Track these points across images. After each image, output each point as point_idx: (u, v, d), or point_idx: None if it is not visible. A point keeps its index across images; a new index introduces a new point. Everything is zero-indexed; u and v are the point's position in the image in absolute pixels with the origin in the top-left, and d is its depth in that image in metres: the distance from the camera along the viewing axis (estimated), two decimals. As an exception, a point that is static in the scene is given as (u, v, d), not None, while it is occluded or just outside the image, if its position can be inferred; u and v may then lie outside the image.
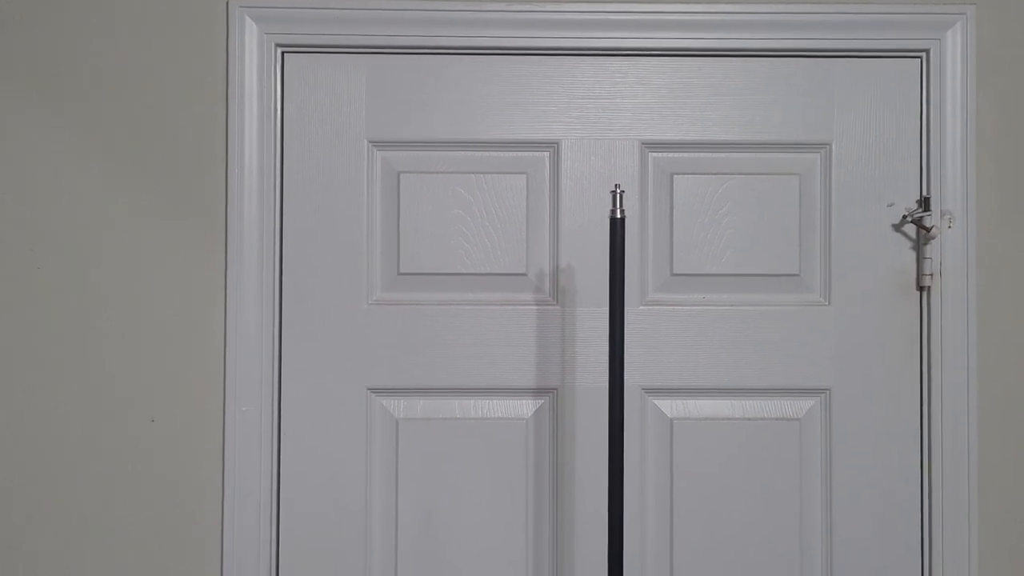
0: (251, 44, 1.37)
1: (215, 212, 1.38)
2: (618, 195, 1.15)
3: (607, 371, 1.18)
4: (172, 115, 1.38)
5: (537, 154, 1.42)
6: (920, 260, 1.38)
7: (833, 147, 1.40)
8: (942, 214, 1.37)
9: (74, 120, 1.37)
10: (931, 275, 1.37)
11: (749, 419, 1.40)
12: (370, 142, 1.40)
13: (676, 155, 1.41)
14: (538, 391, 1.40)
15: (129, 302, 1.37)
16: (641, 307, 1.40)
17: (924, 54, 1.39)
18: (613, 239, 1.15)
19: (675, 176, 1.41)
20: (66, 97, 1.36)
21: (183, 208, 1.38)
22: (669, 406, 1.41)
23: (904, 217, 1.38)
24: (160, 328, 1.37)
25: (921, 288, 1.39)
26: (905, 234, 1.39)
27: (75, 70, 1.37)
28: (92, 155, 1.37)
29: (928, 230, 1.35)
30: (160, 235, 1.37)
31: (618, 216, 1.14)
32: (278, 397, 1.39)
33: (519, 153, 1.41)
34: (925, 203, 1.37)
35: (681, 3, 1.38)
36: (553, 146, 1.41)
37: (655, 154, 1.42)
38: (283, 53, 1.39)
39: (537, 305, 1.41)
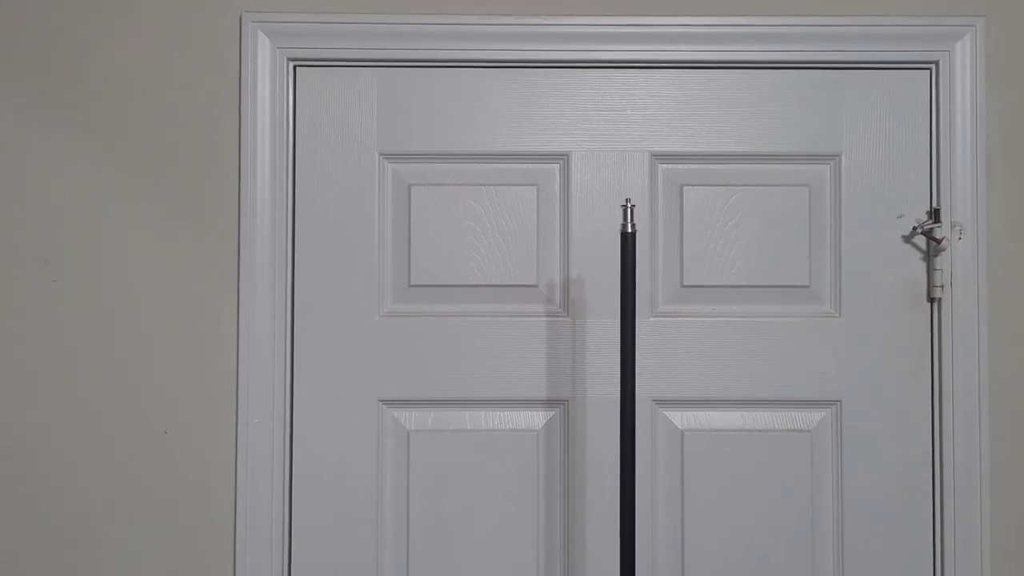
0: (264, 58, 1.38)
1: (228, 224, 1.38)
2: (628, 209, 1.15)
3: (618, 382, 1.19)
4: (186, 128, 1.39)
5: (547, 166, 1.42)
6: (930, 271, 1.38)
7: (843, 158, 1.40)
8: (952, 225, 1.37)
9: (85, 132, 1.38)
10: (942, 286, 1.37)
11: (760, 431, 1.40)
12: (381, 155, 1.41)
13: (686, 167, 1.42)
14: (549, 402, 1.41)
15: (142, 315, 1.38)
16: (651, 319, 1.40)
17: (934, 66, 1.39)
18: (624, 253, 1.16)
19: (685, 187, 1.42)
20: (78, 110, 1.38)
21: (196, 221, 1.38)
22: (680, 418, 1.41)
23: (914, 228, 1.37)
24: (173, 340, 1.38)
25: (932, 299, 1.39)
26: (915, 245, 1.39)
27: (86, 83, 1.38)
28: (104, 168, 1.38)
29: (939, 241, 1.35)
30: (173, 247, 1.38)
31: (629, 230, 1.15)
32: (290, 408, 1.39)
33: (529, 165, 1.42)
34: (935, 214, 1.37)
35: (689, 16, 1.39)
36: (563, 158, 1.42)
37: (665, 165, 1.42)
38: (295, 67, 1.40)
39: (548, 316, 1.41)
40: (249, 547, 1.36)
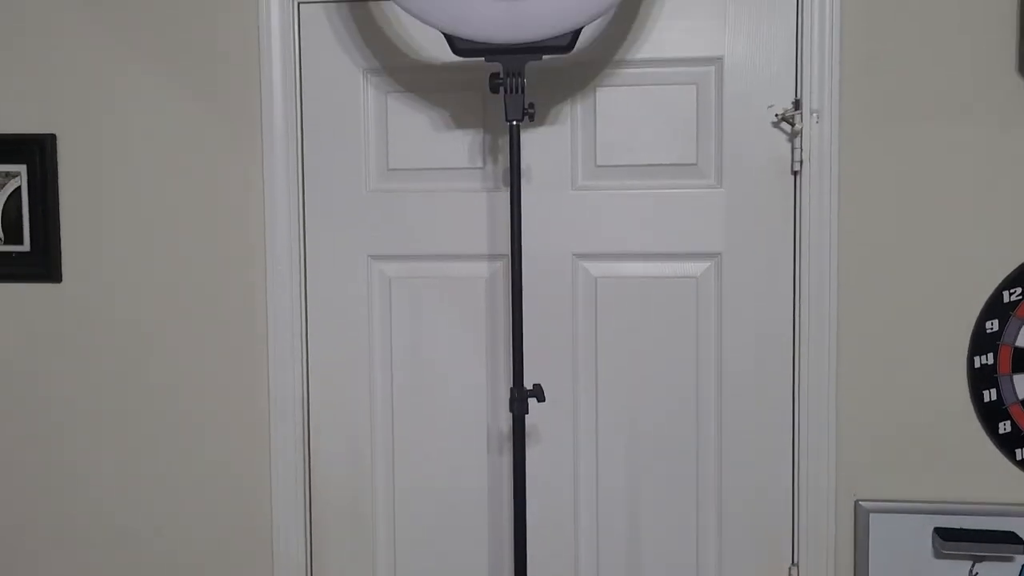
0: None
1: (253, 125, 1.85)
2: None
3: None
4: (223, 56, 1.85)
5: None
6: (793, 150, 1.73)
7: (725, 61, 1.75)
8: (811, 112, 1.70)
9: (149, 56, 1.86)
10: (801, 162, 1.72)
11: (657, 277, 1.80)
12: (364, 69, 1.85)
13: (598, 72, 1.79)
14: (492, 256, 1.84)
15: (198, 196, 1.88)
16: (572, 192, 1.80)
17: (799, -19, 1.72)
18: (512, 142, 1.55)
19: (598, 88, 1.80)
20: (145, 43, 1.86)
21: (230, 122, 1.86)
22: (594, 268, 1.82)
23: (777, 115, 1.72)
24: (220, 211, 1.88)
25: (794, 172, 1.74)
26: (782, 129, 1.74)
27: (155, 27, 1.86)
28: (166, 85, 1.87)
29: (793, 125, 1.70)
30: (214, 145, 1.86)
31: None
32: (303, 261, 1.88)
33: (472, 74, 1.82)
34: (797, 104, 1.71)
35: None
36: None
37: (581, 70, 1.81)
38: (299, 4, 1.83)
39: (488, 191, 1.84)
40: (276, 361, 1.87)
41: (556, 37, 1.52)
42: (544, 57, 1.59)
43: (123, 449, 1.94)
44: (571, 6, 1.51)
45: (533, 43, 1.53)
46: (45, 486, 1.96)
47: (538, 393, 1.61)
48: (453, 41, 1.55)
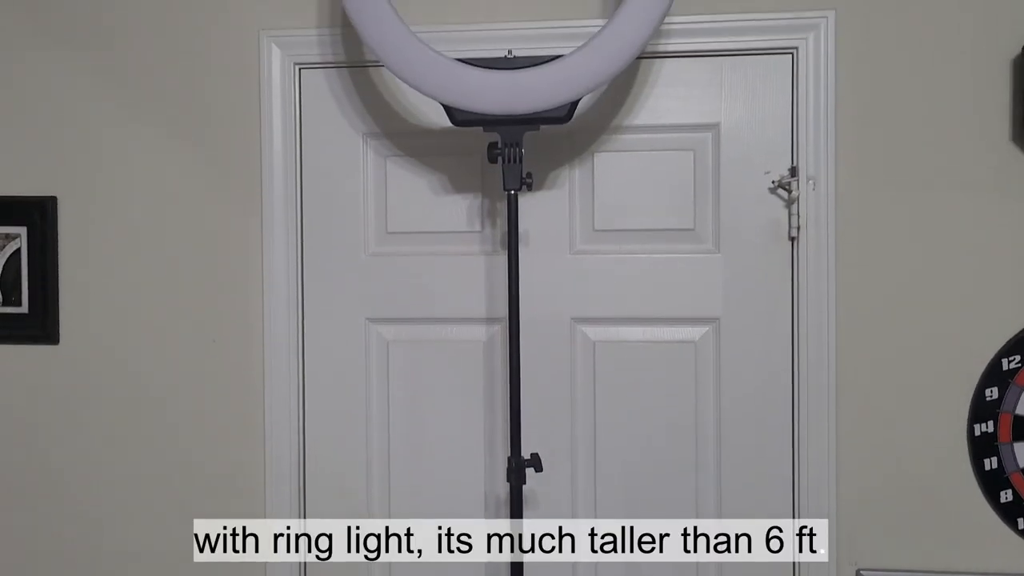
0: (276, 62, 1.83)
1: (253, 189, 1.86)
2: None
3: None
4: (224, 119, 1.87)
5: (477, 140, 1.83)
6: (790, 216, 1.74)
7: (721, 127, 1.77)
8: (807, 179, 1.72)
9: (151, 119, 1.88)
10: (799, 228, 1.73)
11: (655, 341, 1.80)
12: (363, 134, 1.86)
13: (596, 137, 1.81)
14: (490, 320, 1.84)
15: (197, 258, 1.88)
16: (570, 256, 1.81)
17: (794, 51, 1.74)
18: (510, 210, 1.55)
19: (596, 154, 1.81)
20: (155, 113, 1.87)
21: (229, 189, 1.87)
22: (593, 332, 1.82)
23: (774, 182, 1.73)
24: (219, 275, 1.88)
25: (791, 238, 1.75)
26: (779, 195, 1.75)
27: (157, 90, 1.88)
28: (167, 148, 1.88)
29: (790, 192, 1.71)
30: (214, 208, 1.87)
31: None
32: (301, 324, 1.87)
33: (470, 138, 1.82)
34: (793, 171, 1.72)
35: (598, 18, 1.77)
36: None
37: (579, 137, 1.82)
38: (299, 68, 1.85)
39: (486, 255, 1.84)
40: (273, 424, 1.86)
41: (554, 108, 1.55)
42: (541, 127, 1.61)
43: (123, 510, 1.92)
44: (568, 78, 1.53)
45: (531, 114, 1.55)
46: (46, 546, 1.95)
47: (536, 463, 1.60)
48: (452, 112, 1.57)
